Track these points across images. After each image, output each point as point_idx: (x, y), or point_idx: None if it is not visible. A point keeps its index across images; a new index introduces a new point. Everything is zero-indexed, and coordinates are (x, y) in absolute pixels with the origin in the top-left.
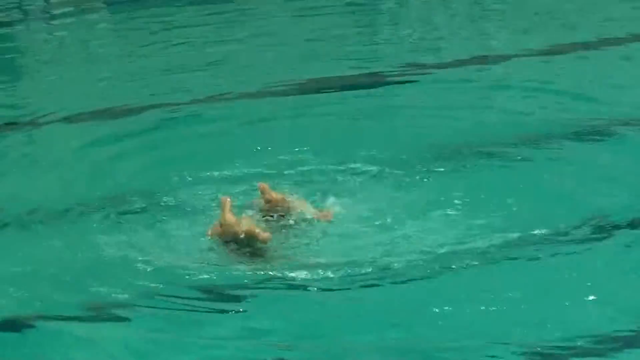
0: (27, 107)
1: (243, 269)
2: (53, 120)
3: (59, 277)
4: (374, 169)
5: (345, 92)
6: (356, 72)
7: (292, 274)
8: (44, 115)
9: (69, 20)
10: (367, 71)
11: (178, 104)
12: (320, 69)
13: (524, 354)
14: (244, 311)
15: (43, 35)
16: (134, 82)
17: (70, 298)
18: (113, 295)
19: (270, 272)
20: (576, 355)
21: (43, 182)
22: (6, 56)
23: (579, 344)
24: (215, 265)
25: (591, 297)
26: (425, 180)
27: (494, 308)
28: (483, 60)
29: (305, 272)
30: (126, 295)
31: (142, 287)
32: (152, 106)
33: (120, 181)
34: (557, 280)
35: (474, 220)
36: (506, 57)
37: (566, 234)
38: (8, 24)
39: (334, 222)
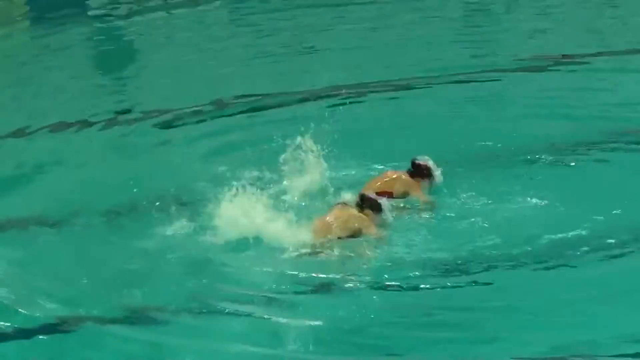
0: (135, 101)
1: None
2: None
3: (109, 278)
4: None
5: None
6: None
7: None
8: (147, 111)
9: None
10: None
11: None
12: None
13: None
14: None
15: (161, 29)
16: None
17: (114, 300)
18: (167, 298)
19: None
20: None
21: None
22: (119, 49)
23: None
24: (274, 269)
25: None
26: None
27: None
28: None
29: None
30: (175, 299)
31: (199, 290)
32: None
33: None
34: None
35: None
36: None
37: None
38: (125, 17)
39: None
